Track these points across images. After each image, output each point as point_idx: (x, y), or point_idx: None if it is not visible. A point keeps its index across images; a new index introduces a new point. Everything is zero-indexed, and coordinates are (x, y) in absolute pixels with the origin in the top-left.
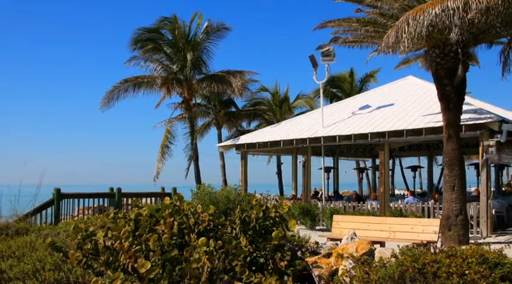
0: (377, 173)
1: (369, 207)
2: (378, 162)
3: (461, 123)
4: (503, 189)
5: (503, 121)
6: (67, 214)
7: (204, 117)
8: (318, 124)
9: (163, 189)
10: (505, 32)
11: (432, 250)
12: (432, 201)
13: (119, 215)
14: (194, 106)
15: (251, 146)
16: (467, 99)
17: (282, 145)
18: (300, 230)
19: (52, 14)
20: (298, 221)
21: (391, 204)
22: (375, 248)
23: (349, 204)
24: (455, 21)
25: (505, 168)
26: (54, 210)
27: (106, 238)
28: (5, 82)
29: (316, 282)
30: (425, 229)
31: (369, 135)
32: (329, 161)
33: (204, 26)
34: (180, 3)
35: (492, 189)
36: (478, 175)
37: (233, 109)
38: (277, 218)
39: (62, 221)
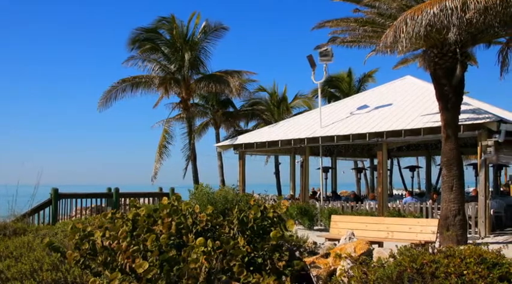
0: (375, 173)
1: (367, 207)
2: (376, 162)
3: (460, 123)
4: (501, 189)
5: (501, 121)
6: (65, 214)
7: (202, 117)
8: (316, 124)
9: (161, 189)
10: (503, 31)
11: (430, 250)
12: (430, 201)
13: (117, 215)
14: (192, 106)
15: (249, 146)
16: (465, 99)
17: (280, 145)
18: (298, 230)
19: (52, 14)
20: (296, 222)
21: (389, 204)
22: (373, 249)
23: (347, 204)
24: (454, 21)
25: (503, 168)
26: (51, 210)
27: (104, 238)
28: (5, 82)
29: (314, 282)
30: (424, 229)
31: (367, 135)
32: (327, 161)
33: (202, 26)
34: (178, 3)
35: (490, 189)
36: (477, 175)
37: (231, 109)
38: (275, 219)
39: (60, 221)
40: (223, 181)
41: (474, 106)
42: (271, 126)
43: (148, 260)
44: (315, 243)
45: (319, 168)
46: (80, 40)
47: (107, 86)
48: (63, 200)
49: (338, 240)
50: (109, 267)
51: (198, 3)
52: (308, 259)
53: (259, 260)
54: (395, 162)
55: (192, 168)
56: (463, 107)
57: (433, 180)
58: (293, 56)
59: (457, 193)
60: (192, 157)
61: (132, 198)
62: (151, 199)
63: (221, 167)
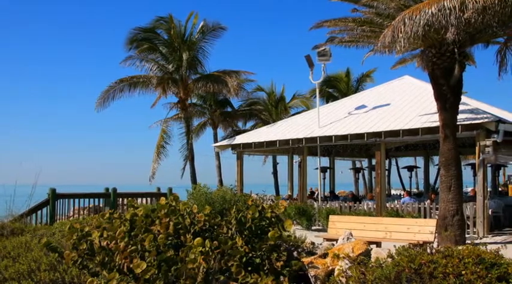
0: (373, 173)
1: (365, 207)
2: (374, 162)
3: (458, 123)
4: (499, 189)
5: (499, 121)
6: (62, 215)
7: (199, 117)
8: (314, 124)
9: (158, 189)
10: (502, 31)
11: (428, 251)
12: (428, 201)
13: (115, 215)
14: (190, 106)
15: (247, 146)
16: (463, 99)
17: (278, 145)
18: (296, 230)
19: (52, 14)
20: (295, 222)
21: (387, 204)
22: (371, 249)
23: (346, 204)
24: (452, 21)
25: (502, 168)
26: (49, 210)
27: (101, 239)
28: (5, 82)
29: (312, 282)
30: (422, 230)
31: (365, 135)
32: (325, 161)
33: (200, 26)
34: (176, 3)
35: (489, 189)
36: (475, 175)
37: (229, 109)
38: (273, 219)
39: (57, 221)
40: (221, 181)
41: (472, 106)
42: (269, 126)
43: (146, 261)
44: (313, 243)
45: (317, 168)
46: (79, 40)
47: (105, 86)
48: (61, 200)
49: (336, 240)
50: (107, 267)
51: (196, 3)
52: (306, 259)
53: (257, 260)
54: (393, 162)
55: (190, 168)
56: (461, 107)
57: (431, 180)
58: (291, 55)
59: (455, 193)
60: (190, 157)
61: (130, 198)
62: (149, 199)
63: (219, 167)
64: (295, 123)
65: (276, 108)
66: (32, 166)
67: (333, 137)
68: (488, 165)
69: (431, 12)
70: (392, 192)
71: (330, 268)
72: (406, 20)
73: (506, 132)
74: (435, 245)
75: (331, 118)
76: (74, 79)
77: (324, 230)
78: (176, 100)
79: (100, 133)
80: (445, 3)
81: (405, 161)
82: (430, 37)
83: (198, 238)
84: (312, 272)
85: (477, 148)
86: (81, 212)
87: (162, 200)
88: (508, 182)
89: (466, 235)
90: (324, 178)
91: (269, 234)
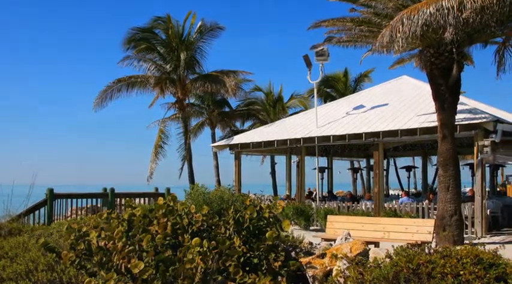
0: (371, 173)
1: (363, 207)
2: (372, 162)
3: (456, 123)
4: (498, 189)
5: (498, 121)
6: (60, 215)
7: (197, 117)
8: (312, 124)
9: (156, 189)
10: (500, 31)
11: (427, 251)
12: (427, 201)
13: (112, 215)
14: (188, 106)
15: (245, 146)
16: (461, 98)
17: (275, 145)
18: (294, 230)
19: (51, 14)
20: (292, 222)
21: (385, 204)
22: (369, 249)
23: (344, 204)
24: (450, 21)
25: (500, 168)
26: (47, 210)
27: (99, 239)
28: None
29: (310, 283)
30: (420, 230)
31: (363, 135)
32: (323, 161)
33: (198, 26)
34: (174, 3)
35: (487, 189)
36: (473, 175)
37: (227, 109)
38: (271, 219)
39: (55, 221)
40: (219, 181)
41: (471, 106)
42: (267, 126)
43: (144, 261)
44: (311, 243)
45: (315, 168)
46: (79, 40)
47: (102, 86)
48: (59, 200)
49: (334, 240)
50: (104, 267)
51: (194, 2)
52: (304, 260)
53: (255, 260)
54: (391, 162)
55: (188, 168)
56: (459, 107)
57: (430, 180)
58: (289, 55)
59: (453, 193)
60: (188, 157)
61: (127, 198)
62: (146, 199)
63: (217, 167)
64: (293, 123)
65: (274, 108)
66: (30, 166)
67: (331, 137)
68: (487, 165)
69: (430, 12)
70: (391, 192)
71: (328, 268)
72: (404, 19)
73: (505, 132)
74: (433, 245)
75: (329, 118)
76: (73, 79)
77: (322, 230)
78: (174, 100)
79: (99, 133)
80: (443, 3)
81: (403, 161)
82: (428, 37)
83: (196, 238)
84: (310, 273)
85: (475, 148)
86: (79, 212)
87: (160, 200)
88: (506, 182)
89: (464, 235)
90: (322, 178)
91: (267, 234)
